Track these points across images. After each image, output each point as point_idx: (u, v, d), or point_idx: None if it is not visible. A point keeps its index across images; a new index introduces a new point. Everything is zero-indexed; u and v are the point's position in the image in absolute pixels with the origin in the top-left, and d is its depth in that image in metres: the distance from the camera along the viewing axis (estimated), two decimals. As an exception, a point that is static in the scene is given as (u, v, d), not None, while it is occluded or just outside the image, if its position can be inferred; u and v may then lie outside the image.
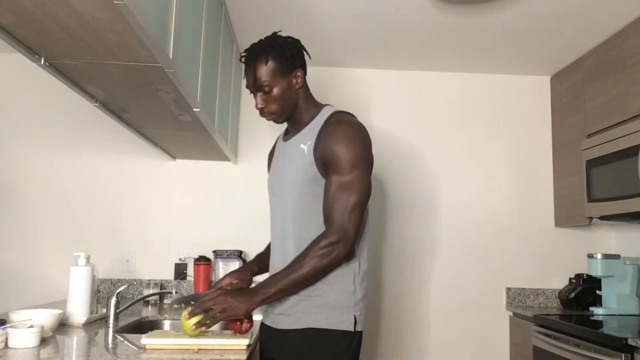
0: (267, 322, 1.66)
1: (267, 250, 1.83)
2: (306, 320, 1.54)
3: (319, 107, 1.68)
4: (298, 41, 1.66)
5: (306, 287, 1.53)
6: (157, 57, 1.46)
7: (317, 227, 1.55)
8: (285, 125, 1.74)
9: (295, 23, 2.68)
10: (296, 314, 1.55)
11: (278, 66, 1.59)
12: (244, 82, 3.26)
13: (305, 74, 1.66)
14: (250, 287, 1.65)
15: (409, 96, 3.33)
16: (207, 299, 1.46)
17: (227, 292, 1.50)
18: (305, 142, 1.60)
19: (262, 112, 1.64)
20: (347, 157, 1.52)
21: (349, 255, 1.54)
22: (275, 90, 1.59)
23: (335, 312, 1.54)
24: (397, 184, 3.24)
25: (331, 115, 1.62)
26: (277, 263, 1.61)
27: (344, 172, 1.52)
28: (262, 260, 1.81)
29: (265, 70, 1.58)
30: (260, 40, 1.64)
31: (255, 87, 1.61)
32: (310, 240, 1.52)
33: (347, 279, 1.57)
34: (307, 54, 1.68)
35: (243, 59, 1.64)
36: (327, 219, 1.53)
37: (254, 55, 1.60)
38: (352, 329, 1.55)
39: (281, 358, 1.59)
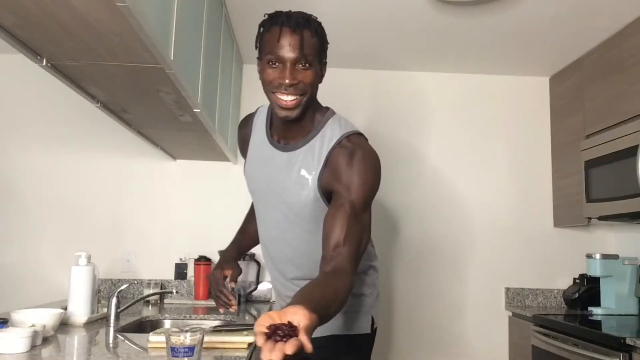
0: None
1: (242, 232, 1.79)
2: (327, 327, 1.49)
3: (322, 114, 1.46)
4: None
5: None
6: (158, 58, 1.47)
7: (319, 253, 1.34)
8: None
9: (295, 24, 2.68)
10: None
11: (320, 46, 1.37)
12: (244, 82, 3.27)
13: None
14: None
15: (408, 97, 3.33)
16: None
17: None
18: (308, 169, 1.40)
19: (294, 91, 1.33)
20: (364, 192, 1.32)
21: None
22: (313, 70, 1.34)
23: (355, 316, 1.55)
24: (396, 184, 3.25)
25: (341, 140, 1.39)
26: (282, 280, 1.58)
27: (360, 205, 1.31)
28: (239, 244, 1.77)
29: (311, 43, 1.33)
30: (297, 12, 1.37)
31: (299, 55, 1.31)
32: (313, 261, 1.40)
33: (365, 287, 1.59)
34: None
35: (286, 21, 1.32)
36: (341, 249, 1.26)
37: (304, 21, 1.34)
38: (370, 331, 1.57)
39: None
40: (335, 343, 1.53)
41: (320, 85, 1.44)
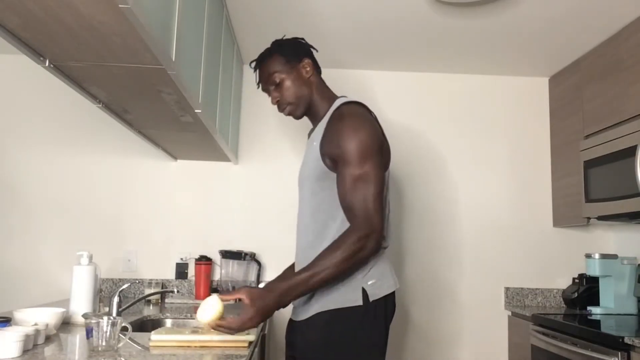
0: (291, 316, 1.70)
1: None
2: (317, 306, 1.55)
3: (332, 100, 1.69)
4: (302, 38, 1.75)
5: (334, 281, 1.50)
6: (160, 59, 1.48)
7: (334, 220, 1.56)
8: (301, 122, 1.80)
9: (295, 25, 2.70)
10: (310, 302, 1.58)
11: (283, 58, 1.67)
12: (244, 82, 3.29)
13: (316, 66, 1.73)
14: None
15: (408, 97, 3.35)
16: (244, 321, 1.45)
17: (256, 311, 1.45)
18: (317, 139, 1.62)
19: (280, 106, 1.71)
20: (356, 150, 1.51)
21: (378, 247, 1.51)
22: (287, 81, 1.67)
23: (341, 289, 1.53)
24: (394, 185, 3.26)
25: (337, 109, 1.62)
26: (300, 258, 1.64)
27: (357, 164, 1.50)
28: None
29: (272, 64, 1.68)
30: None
31: (268, 82, 1.69)
32: (329, 235, 1.54)
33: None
34: (314, 48, 1.75)
35: (253, 64, 1.75)
36: (350, 214, 1.51)
37: (260, 57, 1.73)
38: (361, 303, 1.52)
39: (303, 348, 1.60)
40: (324, 320, 1.54)
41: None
